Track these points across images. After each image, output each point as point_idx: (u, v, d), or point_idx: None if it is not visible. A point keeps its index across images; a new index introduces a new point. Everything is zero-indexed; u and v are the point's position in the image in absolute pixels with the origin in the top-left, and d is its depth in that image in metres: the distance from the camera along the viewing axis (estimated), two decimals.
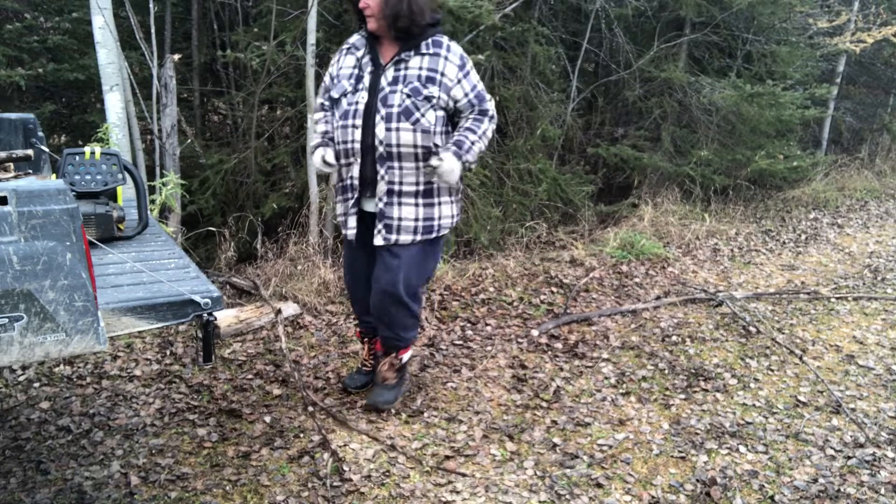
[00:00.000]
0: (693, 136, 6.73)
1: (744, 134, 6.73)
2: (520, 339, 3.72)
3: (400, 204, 2.60)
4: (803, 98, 6.69)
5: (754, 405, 3.13)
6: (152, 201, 3.93)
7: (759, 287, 4.83)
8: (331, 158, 2.59)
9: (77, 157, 2.39)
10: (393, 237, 2.63)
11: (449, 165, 2.50)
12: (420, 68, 2.52)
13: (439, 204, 2.67)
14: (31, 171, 2.48)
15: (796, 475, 2.62)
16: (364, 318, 2.96)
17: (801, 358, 3.58)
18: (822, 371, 3.50)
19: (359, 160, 2.59)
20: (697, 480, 2.55)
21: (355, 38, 2.67)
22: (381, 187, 2.59)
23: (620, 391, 3.21)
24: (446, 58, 2.53)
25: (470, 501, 2.39)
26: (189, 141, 4.78)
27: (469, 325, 3.89)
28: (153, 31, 4.25)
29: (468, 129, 2.60)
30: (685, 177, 6.48)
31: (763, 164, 6.50)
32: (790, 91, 6.51)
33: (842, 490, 2.52)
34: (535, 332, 3.79)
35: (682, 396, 3.19)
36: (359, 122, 2.54)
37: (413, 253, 2.67)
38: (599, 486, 2.50)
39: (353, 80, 2.59)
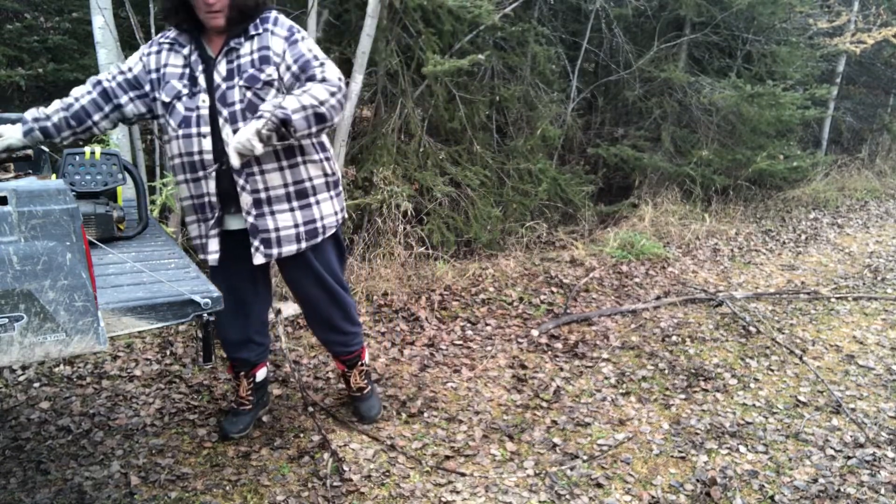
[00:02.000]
0: (693, 136, 6.73)
1: (744, 134, 6.73)
2: (520, 339, 3.72)
3: (273, 213, 2.29)
4: (803, 98, 6.69)
5: (754, 405, 3.13)
6: (152, 201, 3.92)
7: (759, 287, 4.83)
8: (17, 143, 2.17)
9: (77, 157, 2.39)
10: (274, 251, 2.33)
11: (236, 138, 2.07)
12: (252, 52, 2.21)
13: (317, 203, 2.37)
14: (31, 171, 2.47)
15: (796, 475, 2.62)
16: (236, 354, 2.63)
17: (801, 358, 3.58)
18: (822, 371, 3.50)
19: (213, 173, 2.26)
20: (697, 480, 2.55)
21: (173, 34, 2.29)
22: (246, 199, 2.26)
23: (620, 391, 3.21)
24: (272, 32, 2.22)
25: (470, 501, 2.39)
26: None
27: (469, 325, 3.89)
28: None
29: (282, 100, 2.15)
30: (685, 177, 6.48)
31: (763, 165, 6.50)
32: (790, 91, 6.51)
33: (842, 490, 2.52)
34: (535, 332, 3.79)
35: (682, 396, 3.19)
36: (206, 129, 2.21)
37: (320, 252, 2.45)
38: (599, 486, 2.50)
39: (186, 81, 2.23)
